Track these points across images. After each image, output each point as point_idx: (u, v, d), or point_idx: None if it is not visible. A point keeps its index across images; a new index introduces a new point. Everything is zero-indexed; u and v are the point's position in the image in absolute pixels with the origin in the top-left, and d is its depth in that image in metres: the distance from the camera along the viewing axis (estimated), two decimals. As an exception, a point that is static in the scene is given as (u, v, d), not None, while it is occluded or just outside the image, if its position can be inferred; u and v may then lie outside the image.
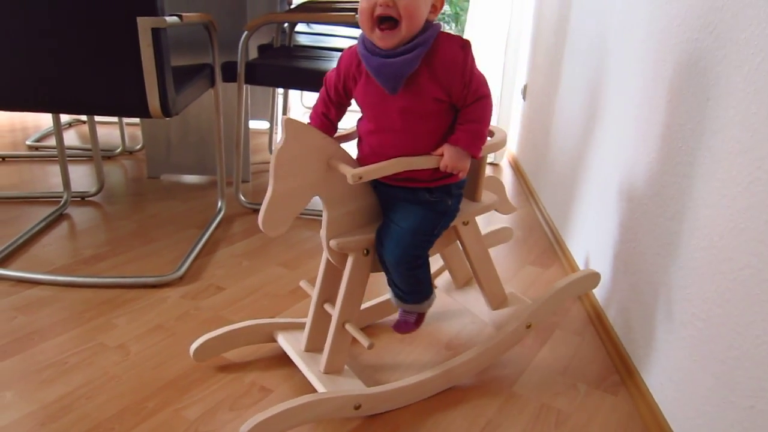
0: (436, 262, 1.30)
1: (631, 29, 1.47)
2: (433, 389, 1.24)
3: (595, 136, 1.70)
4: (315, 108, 1.19)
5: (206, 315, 1.48)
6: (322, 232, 1.15)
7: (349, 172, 1.05)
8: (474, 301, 1.45)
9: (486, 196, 1.34)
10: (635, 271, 1.33)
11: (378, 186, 1.17)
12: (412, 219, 1.12)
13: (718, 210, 1.00)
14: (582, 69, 1.90)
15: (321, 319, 1.26)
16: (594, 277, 1.48)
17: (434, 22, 1.06)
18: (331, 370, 1.21)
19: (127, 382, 1.23)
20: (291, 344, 1.30)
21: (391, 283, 1.19)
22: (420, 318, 1.25)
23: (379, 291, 1.46)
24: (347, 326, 1.18)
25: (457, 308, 1.54)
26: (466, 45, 1.05)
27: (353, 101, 1.17)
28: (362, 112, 1.15)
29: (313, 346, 1.28)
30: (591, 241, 1.66)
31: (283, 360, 1.32)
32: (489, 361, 1.32)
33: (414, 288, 1.19)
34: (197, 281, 1.65)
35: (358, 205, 1.16)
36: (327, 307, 1.24)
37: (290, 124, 1.03)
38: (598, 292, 1.56)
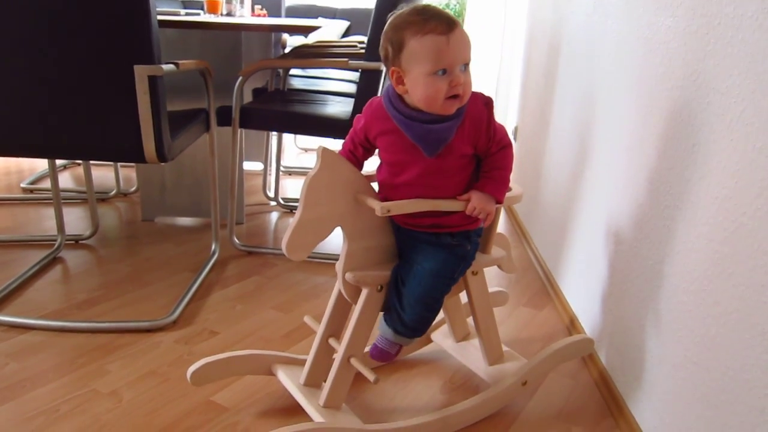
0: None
1: (618, 76, 1.51)
2: (429, 435, 1.24)
3: (585, 178, 1.73)
4: (344, 144, 1.26)
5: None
6: (339, 265, 1.18)
7: (378, 205, 1.09)
8: (470, 356, 1.46)
9: (495, 250, 1.36)
10: (627, 313, 1.34)
11: (400, 229, 1.22)
12: (434, 261, 1.17)
13: (706, 254, 1.01)
14: (571, 112, 1.94)
15: (324, 353, 1.28)
16: (588, 343, 1.49)
17: None
18: (331, 404, 1.21)
19: (119, 429, 1.22)
20: (290, 378, 1.31)
21: (395, 317, 1.20)
22: (399, 350, 1.26)
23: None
24: (352, 360, 1.19)
25: (451, 356, 1.54)
26: (489, 102, 1.15)
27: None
28: (384, 163, 1.21)
29: (313, 381, 1.29)
30: (583, 283, 1.67)
31: (276, 407, 1.32)
32: (485, 413, 1.31)
33: (419, 327, 1.21)
34: (191, 325, 1.64)
35: (377, 243, 1.20)
36: (332, 342, 1.26)
37: (325, 154, 1.08)
38: (591, 334, 1.56)
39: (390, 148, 1.17)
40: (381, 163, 1.22)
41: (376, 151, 1.24)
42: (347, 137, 1.25)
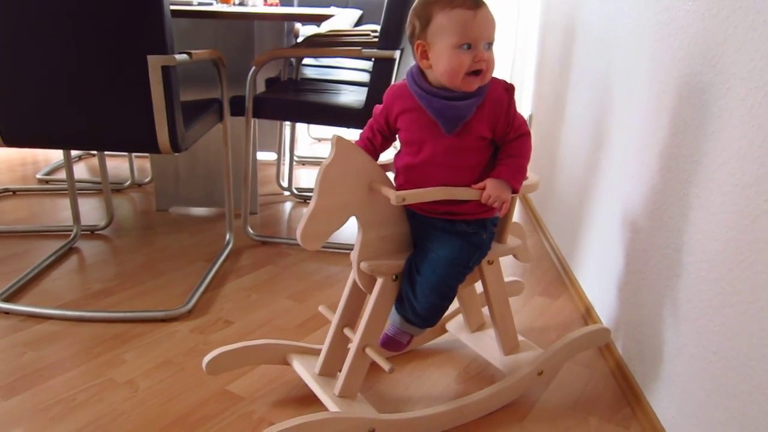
0: (452, 305, 1.30)
1: (635, 61, 1.49)
2: (445, 424, 1.24)
3: (600, 166, 1.71)
4: (362, 133, 1.26)
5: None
6: (354, 254, 1.17)
7: (393, 194, 1.09)
8: (485, 345, 1.45)
9: (511, 239, 1.35)
10: (644, 302, 1.33)
11: (415, 215, 1.21)
12: (450, 248, 1.17)
13: (726, 243, 1.00)
14: (587, 99, 1.91)
15: (339, 343, 1.27)
16: (605, 333, 1.47)
17: None
18: (346, 393, 1.21)
19: (135, 418, 1.23)
20: (305, 367, 1.31)
21: (406, 306, 1.19)
22: (411, 340, 1.25)
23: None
24: (368, 350, 1.19)
25: (466, 346, 1.53)
26: (509, 88, 1.16)
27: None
28: (403, 146, 1.22)
29: (328, 371, 1.28)
30: (599, 272, 1.66)
31: (291, 397, 1.32)
32: (500, 403, 1.31)
33: (431, 316, 1.20)
34: (206, 315, 1.65)
35: (392, 232, 1.19)
36: (347, 331, 1.26)
37: (340, 143, 1.07)
38: (608, 324, 1.55)
39: (410, 126, 1.18)
40: (400, 149, 1.22)
41: (393, 143, 1.24)
42: (366, 126, 1.26)
